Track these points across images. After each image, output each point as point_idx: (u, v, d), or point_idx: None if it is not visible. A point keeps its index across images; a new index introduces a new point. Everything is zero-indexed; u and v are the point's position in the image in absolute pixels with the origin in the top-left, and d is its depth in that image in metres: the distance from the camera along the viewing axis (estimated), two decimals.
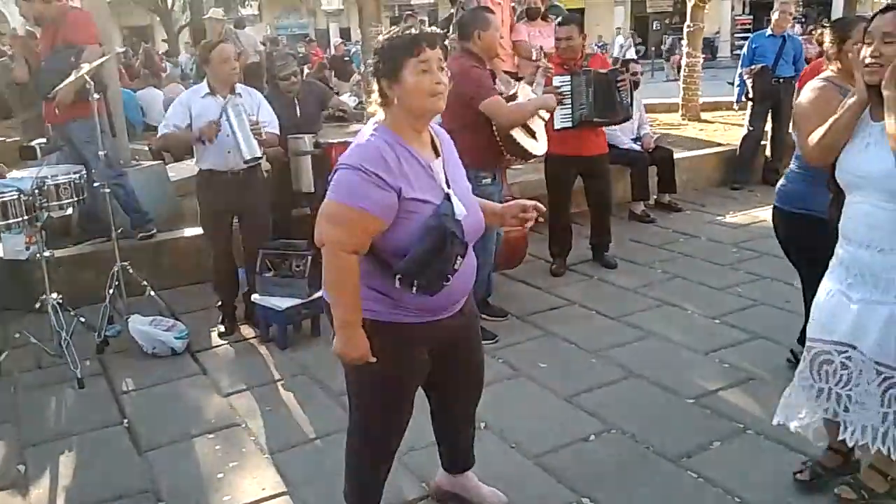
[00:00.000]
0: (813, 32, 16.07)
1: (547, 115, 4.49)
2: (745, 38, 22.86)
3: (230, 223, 4.51)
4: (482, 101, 4.01)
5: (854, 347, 2.47)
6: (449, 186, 2.22)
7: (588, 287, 5.16)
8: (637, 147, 6.76)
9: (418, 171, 2.16)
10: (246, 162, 4.15)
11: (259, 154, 4.18)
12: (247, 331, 4.61)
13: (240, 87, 4.37)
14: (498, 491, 2.80)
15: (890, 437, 2.44)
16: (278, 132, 4.49)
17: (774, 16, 7.40)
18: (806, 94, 2.89)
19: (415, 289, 2.14)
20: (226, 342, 4.48)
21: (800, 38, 16.10)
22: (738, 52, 14.54)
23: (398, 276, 2.14)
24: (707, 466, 3.02)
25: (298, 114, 4.99)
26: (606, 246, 5.61)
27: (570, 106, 5.02)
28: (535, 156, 4.38)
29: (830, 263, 2.60)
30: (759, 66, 7.26)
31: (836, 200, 2.59)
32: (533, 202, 2.42)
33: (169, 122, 4.31)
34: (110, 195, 4.53)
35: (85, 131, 4.68)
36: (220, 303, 4.62)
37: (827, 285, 2.60)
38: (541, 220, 2.46)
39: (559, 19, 5.55)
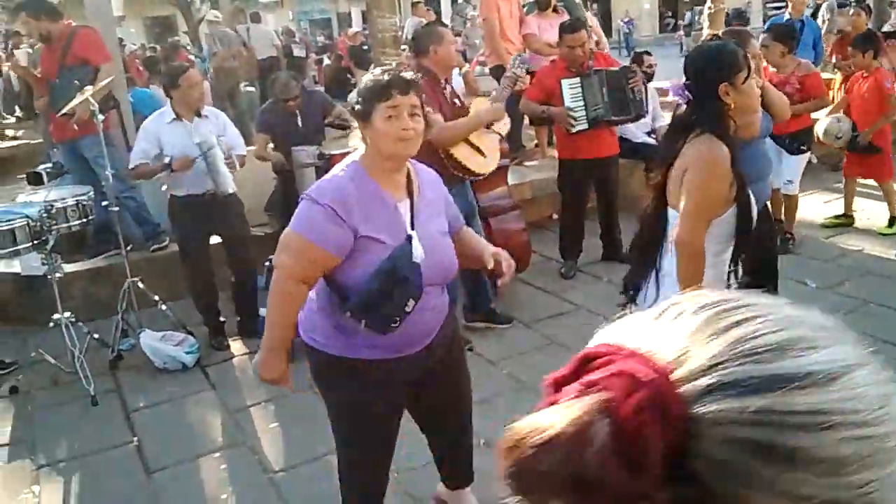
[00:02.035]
0: (848, 5, 15.62)
1: (505, 130, 4.42)
2: (777, 9, 22.20)
3: (208, 243, 4.59)
4: None
5: None
6: (413, 228, 2.23)
7: (597, 290, 5.13)
8: (651, 140, 6.66)
9: (380, 210, 2.20)
10: (225, 197, 4.28)
11: (234, 189, 4.32)
12: (256, 343, 4.66)
13: (205, 110, 4.45)
14: None
15: None
16: (244, 153, 4.58)
17: None
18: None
19: (363, 326, 2.20)
20: (235, 355, 4.56)
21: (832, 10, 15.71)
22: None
23: (348, 312, 2.20)
24: None
25: (300, 125, 5.02)
26: (619, 244, 5.57)
27: (583, 108, 4.99)
28: (479, 174, 4.25)
29: None
30: None
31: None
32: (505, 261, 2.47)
33: (139, 153, 4.34)
34: (120, 212, 4.62)
35: (96, 147, 4.76)
36: (205, 322, 4.70)
37: None
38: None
39: (566, 22, 5.35)
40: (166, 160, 4.20)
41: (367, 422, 2.42)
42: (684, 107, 2.53)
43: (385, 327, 2.18)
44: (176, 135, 4.25)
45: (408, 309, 2.16)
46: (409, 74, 2.23)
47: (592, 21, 9.14)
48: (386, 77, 2.19)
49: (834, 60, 7.49)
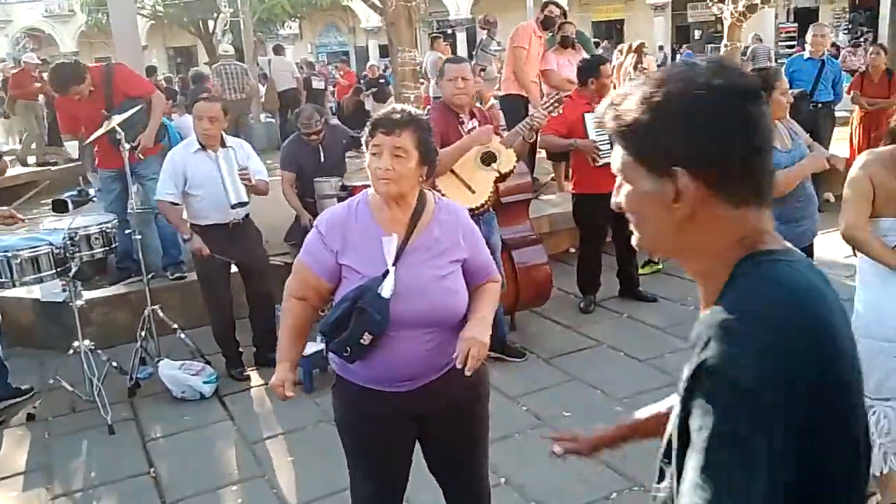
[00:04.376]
0: (861, 45, 15.73)
1: (506, 169, 4.27)
2: (790, 48, 22.17)
3: (228, 274, 4.59)
4: None
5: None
6: (395, 264, 2.16)
7: (617, 325, 5.10)
8: None
9: (367, 242, 2.21)
10: (233, 206, 4.25)
11: (245, 199, 4.30)
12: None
13: (231, 141, 4.48)
14: None
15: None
16: (267, 180, 4.58)
17: (809, 38, 7.27)
18: None
19: (326, 348, 2.26)
20: (253, 385, 4.53)
21: (845, 49, 15.84)
22: (781, 60, 14.31)
23: (319, 332, 2.27)
24: None
25: (322, 159, 5.06)
26: (636, 281, 5.54)
27: (607, 142, 5.01)
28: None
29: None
30: (797, 90, 7.11)
31: None
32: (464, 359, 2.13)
33: (164, 191, 4.34)
34: (142, 240, 4.64)
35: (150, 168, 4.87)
36: (223, 352, 4.68)
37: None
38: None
39: (594, 58, 5.39)
40: (185, 237, 4.38)
41: (361, 444, 2.38)
42: None
43: (339, 355, 2.20)
44: (200, 165, 4.30)
45: (363, 342, 2.12)
46: (402, 115, 2.18)
47: (650, 62, 9.31)
48: (378, 116, 2.23)
49: (851, 95, 7.49)
